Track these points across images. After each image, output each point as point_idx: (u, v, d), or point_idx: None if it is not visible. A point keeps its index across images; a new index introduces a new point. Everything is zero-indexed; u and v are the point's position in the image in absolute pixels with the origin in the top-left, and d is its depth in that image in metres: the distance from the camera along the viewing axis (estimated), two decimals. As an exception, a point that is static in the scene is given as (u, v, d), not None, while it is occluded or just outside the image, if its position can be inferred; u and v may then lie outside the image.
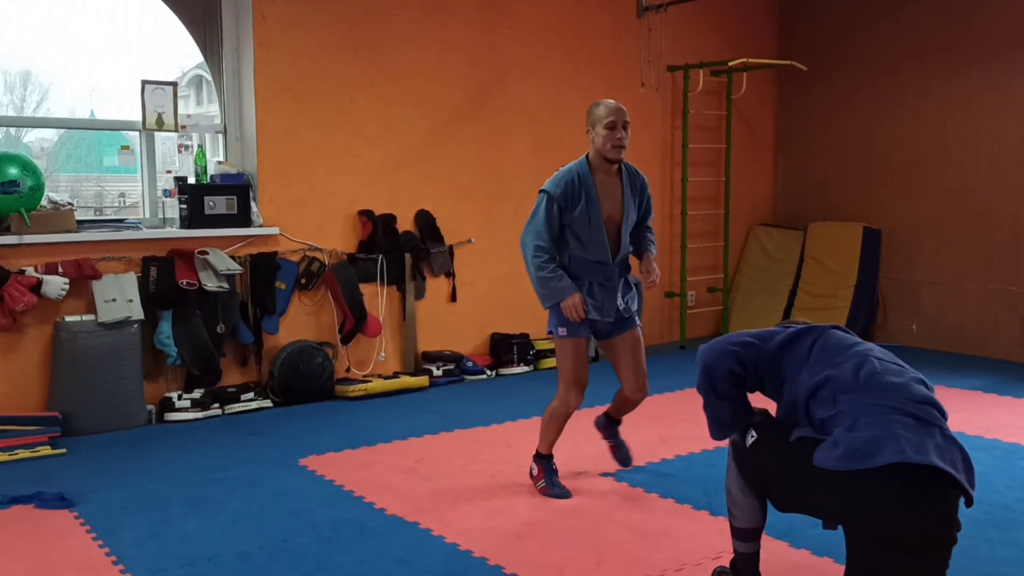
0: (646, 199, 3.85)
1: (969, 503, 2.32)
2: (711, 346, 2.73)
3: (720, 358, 2.67)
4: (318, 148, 5.52)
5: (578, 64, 6.56)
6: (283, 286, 5.39)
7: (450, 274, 6.08)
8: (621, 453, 4.08)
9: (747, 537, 2.76)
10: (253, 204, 5.27)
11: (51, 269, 4.67)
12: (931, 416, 2.39)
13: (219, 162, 5.37)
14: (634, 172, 3.83)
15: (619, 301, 3.75)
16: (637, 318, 3.87)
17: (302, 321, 5.52)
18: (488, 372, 6.05)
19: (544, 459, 3.84)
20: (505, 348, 6.13)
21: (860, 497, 2.32)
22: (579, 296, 3.62)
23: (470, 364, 5.98)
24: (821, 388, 2.49)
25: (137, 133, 5.27)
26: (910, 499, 2.27)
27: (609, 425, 4.08)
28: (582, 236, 3.66)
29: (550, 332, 3.77)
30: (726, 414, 2.72)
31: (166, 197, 5.27)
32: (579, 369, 3.72)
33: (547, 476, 3.81)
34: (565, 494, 3.75)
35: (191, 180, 5.20)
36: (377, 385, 5.49)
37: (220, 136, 5.51)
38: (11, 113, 5.56)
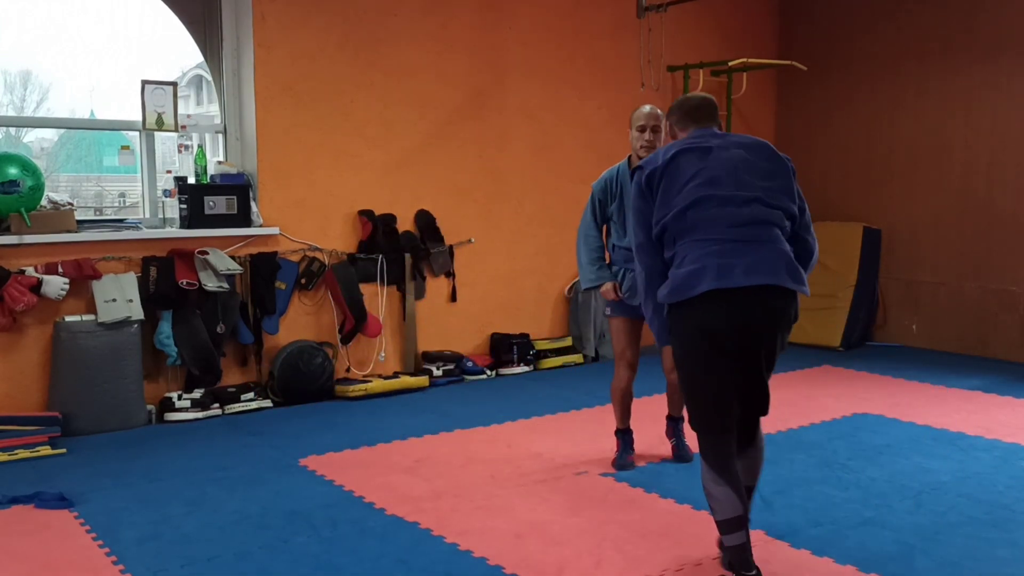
0: None
1: (796, 295, 2.82)
2: (638, 251, 3.06)
3: (651, 257, 3.00)
4: (318, 148, 5.52)
5: (578, 64, 6.56)
6: (283, 286, 5.39)
7: (450, 274, 6.08)
8: (681, 451, 4.25)
9: (731, 528, 2.81)
10: (253, 204, 5.27)
11: (51, 269, 4.66)
12: (753, 235, 2.77)
13: (219, 162, 5.37)
14: None
15: None
16: None
17: (302, 321, 5.52)
18: (488, 372, 6.05)
19: (619, 433, 4.22)
20: (505, 348, 6.13)
21: (696, 319, 2.78)
22: (610, 284, 4.04)
23: (470, 364, 5.97)
24: (664, 233, 2.90)
25: (137, 133, 5.27)
26: (731, 309, 2.73)
27: (671, 424, 4.28)
28: (619, 226, 4.06)
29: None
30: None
31: (166, 197, 5.27)
32: (622, 346, 4.13)
33: (618, 449, 4.19)
34: (624, 465, 4.10)
35: (191, 180, 5.20)
36: (377, 385, 5.49)
37: (220, 136, 5.51)
38: (11, 113, 5.56)
